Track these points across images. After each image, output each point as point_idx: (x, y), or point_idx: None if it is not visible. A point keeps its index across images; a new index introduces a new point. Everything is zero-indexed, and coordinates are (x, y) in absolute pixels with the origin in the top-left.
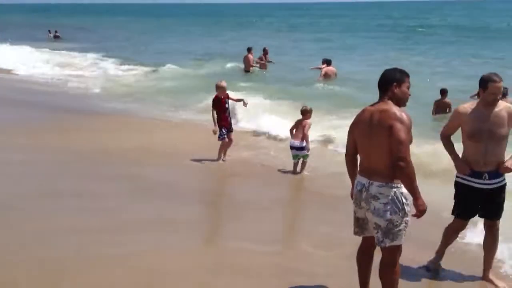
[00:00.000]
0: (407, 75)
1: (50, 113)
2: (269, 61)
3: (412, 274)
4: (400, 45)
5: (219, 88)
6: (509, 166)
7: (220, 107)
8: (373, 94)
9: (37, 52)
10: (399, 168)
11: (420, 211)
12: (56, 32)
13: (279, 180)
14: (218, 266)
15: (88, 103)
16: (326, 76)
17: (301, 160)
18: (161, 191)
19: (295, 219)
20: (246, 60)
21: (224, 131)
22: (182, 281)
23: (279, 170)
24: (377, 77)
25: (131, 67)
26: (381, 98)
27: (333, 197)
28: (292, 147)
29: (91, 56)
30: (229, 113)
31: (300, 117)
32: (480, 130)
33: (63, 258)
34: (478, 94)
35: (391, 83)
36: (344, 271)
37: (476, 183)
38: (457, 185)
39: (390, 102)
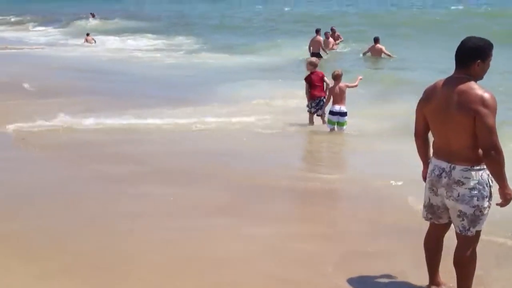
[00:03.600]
0: (492, 47)
1: None
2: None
3: None
4: None
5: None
6: None
7: None
8: None
9: None
10: (489, 157)
11: (507, 200)
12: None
13: None
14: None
15: None
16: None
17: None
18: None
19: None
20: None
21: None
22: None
23: None
24: None
25: None
26: (458, 72)
27: None
28: (338, 113)
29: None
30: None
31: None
32: None
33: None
34: None
35: (475, 60)
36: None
37: None
38: None
39: (469, 80)
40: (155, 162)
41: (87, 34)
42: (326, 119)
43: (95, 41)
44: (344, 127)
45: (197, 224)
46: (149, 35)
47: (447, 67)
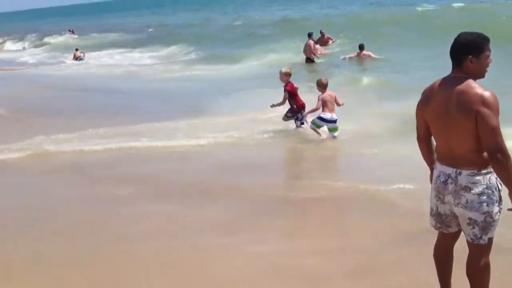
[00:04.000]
0: (487, 42)
1: None
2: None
3: None
4: None
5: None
6: None
7: None
8: None
9: None
10: (495, 160)
11: None
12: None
13: None
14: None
15: None
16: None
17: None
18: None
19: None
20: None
21: None
22: None
23: None
24: None
25: None
26: (455, 71)
27: None
28: (330, 121)
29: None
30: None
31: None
32: None
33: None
34: None
35: (466, 56)
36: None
37: None
38: None
39: (467, 78)
40: (152, 181)
41: (76, 49)
42: (309, 120)
43: (84, 55)
44: (336, 133)
45: (198, 244)
46: (138, 48)
47: (436, 64)
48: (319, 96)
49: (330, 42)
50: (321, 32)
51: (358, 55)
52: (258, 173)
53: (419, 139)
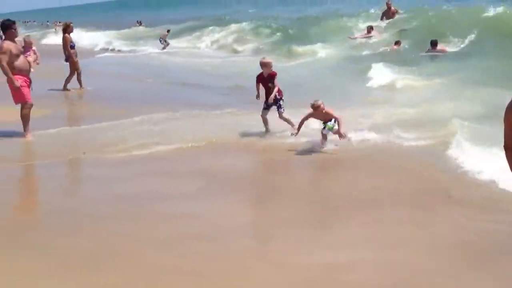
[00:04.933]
0: None
1: None
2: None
3: None
4: None
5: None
6: None
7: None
8: None
9: None
10: None
11: None
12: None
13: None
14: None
15: None
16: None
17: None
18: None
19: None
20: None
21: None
22: None
23: None
24: None
25: None
26: None
27: None
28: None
29: None
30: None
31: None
32: None
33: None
34: None
35: None
36: None
37: None
38: None
39: None
40: (211, 176)
41: (168, 31)
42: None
43: (167, 36)
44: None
45: (232, 251)
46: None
47: None
48: (326, 110)
49: (397, 14)
50: (387, 4)
51: (429, 51)
52: (312, 175)
53: (506, 147)
